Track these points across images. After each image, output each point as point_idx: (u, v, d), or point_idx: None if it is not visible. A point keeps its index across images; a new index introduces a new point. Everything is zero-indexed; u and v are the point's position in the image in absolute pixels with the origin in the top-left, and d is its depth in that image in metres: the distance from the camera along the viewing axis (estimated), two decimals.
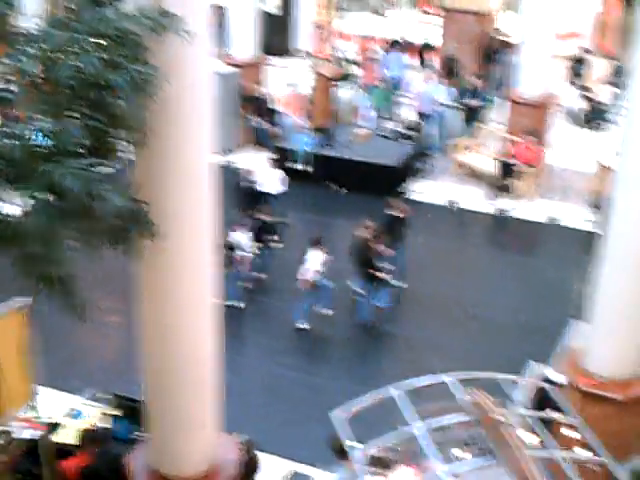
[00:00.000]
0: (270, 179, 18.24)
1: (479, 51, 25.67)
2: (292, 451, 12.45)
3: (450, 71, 23.98)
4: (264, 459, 9.99)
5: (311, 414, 13.14)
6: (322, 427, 11.62)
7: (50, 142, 6.67)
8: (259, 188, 18.13)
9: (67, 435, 11.01)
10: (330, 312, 15.70)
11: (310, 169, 20.64)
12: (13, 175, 6.50)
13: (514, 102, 20.92)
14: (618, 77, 24.31)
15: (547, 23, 19.87)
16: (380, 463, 9.88)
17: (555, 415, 9.04)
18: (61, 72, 6.68)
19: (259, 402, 13.67)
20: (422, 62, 26.19)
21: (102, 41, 6.96)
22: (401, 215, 16.55)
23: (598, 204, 18.58)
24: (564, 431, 8.84)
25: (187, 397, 9.01)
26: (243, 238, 15.86)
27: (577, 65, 24.72)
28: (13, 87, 6.88)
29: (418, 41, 27.30)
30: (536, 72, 20.27)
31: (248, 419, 12.67)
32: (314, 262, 15.25)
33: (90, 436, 10.39)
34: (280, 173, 18.35)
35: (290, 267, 16.55)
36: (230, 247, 15.36)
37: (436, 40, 26.59)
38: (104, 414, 11.39)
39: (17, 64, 6.82)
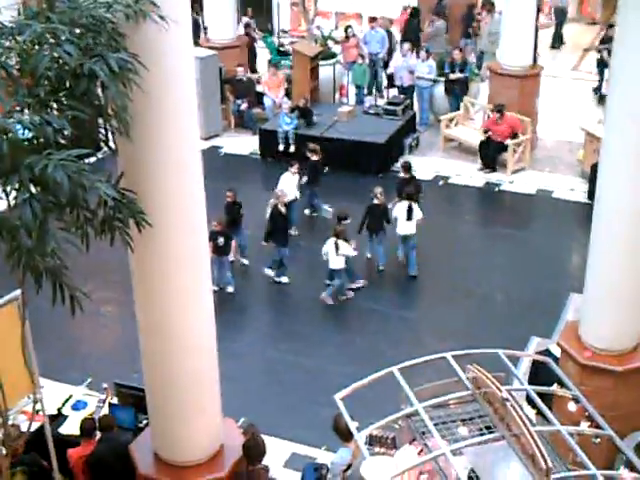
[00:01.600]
0: (290, 186, 17.43)
1: (460, 22, 25.53)
2: (293, 433, 12.44)
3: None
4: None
5: (310, 397, 13.12)
6: (322, 409, 11.62)
7: (31, 134, 6.60)
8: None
9: (72, 426, 11.01)
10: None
11: (292, 149, 20.46)
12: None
13: (495, 73, 20.78)
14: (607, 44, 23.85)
15: None
16: (379, 442, 9.86)
17: (557, 390, 8.97)
18: (37, 63, 6.60)
19: (257, 386, 13.63)
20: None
21: (77, 30, 6.89)
22: (315, 157, 17.69)
23: (587, 174, 18.58)
24: (570, 406, 8.77)
25: (186, 383, 9.05)
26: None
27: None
28: None
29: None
30: (518, 42, 20.05)
31: (247, 403, 12.65)
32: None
33: (93, 424, 10.38)
34: (297, 178, 17.59)
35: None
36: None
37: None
38: (106, 403, 11.35)
39: None
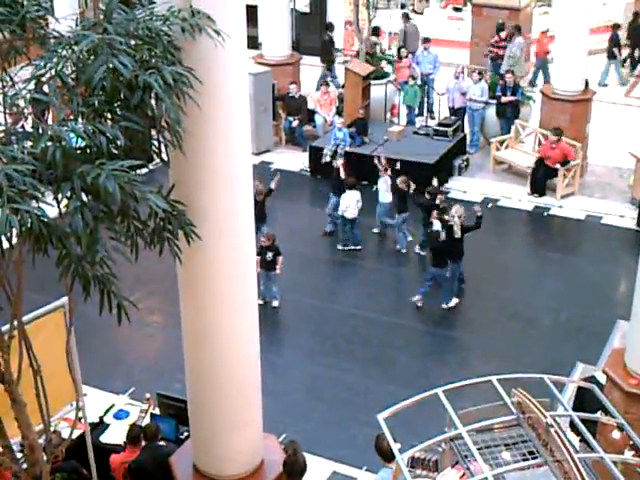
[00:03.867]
0: (350, 204, 17.59)
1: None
2: (333, 452, 12.39)
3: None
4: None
5: (352, 415, 13.08)
6: (364, 428, 11.60)
7: (84, 143, 6.66)
8: (345, 215, 17.59)
9: (113, 435, 11.11)
10: None
11: (337, 164, 20.40)
12: (51, 177, 6.49)
13: (547, 97, 20.67)
14: None
15: (581, 15, 19.51)
16: (421, 464, 9.78)
17: (601, 417, 8.86)
18: (93, 73, 6.67)
19: (299, 402, 13.62)
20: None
21: (133, 42, 6.96)
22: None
23: (637, 201, 18.40)
24: (614, 434, 8.66)
25: (229, 397, 9.05)
26: None
27: None
28: (46, 89, 6.86)
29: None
30: (570, 66, 19.93)
31: (288, 419, 12.64)
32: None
33: (139, 432, 10.45)
34: (356, 195, 17.68)
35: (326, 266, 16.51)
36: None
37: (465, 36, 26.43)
38: (148, 413, 11.40)
39: (49, 65, 6.84)
